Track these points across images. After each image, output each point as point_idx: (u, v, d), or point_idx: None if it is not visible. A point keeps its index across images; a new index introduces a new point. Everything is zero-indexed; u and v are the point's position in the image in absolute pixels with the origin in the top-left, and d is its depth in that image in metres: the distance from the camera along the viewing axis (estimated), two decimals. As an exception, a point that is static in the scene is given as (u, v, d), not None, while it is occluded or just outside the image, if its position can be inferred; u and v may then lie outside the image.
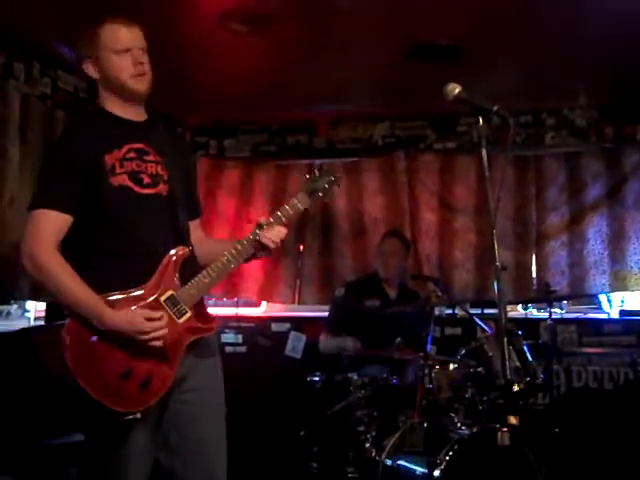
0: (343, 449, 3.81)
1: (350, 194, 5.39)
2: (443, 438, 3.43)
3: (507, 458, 3.18)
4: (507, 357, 2.17)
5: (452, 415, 3.70)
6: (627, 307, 5.28)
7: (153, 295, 2.27)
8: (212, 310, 2.49)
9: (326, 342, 4.63)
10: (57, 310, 4.44)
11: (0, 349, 3.80)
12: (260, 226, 2.43)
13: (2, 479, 3.43)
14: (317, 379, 4.07)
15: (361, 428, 3.78)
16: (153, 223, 2.35)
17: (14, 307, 6.27)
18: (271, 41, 3.95)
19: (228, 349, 5.24)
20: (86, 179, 2.26)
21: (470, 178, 5.27)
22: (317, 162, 5.52)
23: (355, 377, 3.93)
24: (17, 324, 6.00)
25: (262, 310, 5.84)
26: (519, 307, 5.45)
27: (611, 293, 5.23)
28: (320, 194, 2.55)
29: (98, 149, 2.29)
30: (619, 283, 5.04)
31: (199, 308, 2.38)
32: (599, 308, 5.44)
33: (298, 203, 2.51)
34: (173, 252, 2.32)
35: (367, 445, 3.72)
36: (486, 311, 4.88)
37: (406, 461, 3.51)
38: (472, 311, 4.67)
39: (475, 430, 3.39)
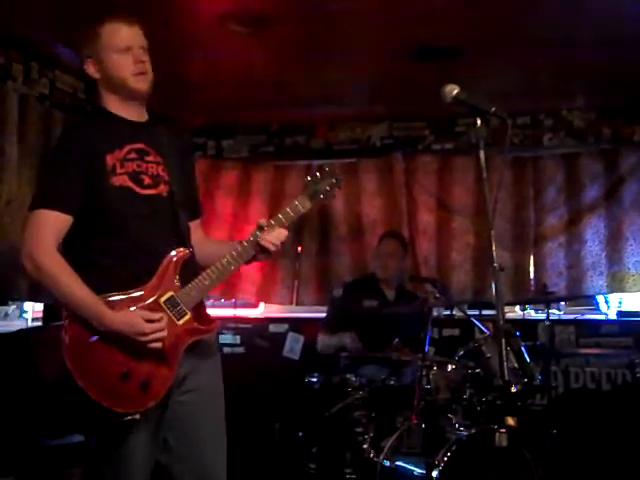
0: (341, 450, 3.81)
1: (348, 195, 5.39)
2: (441, 439, 3.43)
3: (505, 459, 3.18)
4: (505, 358, 2.17)
5: (450, 416, 3.69)
6: (625, 308, 5.29)
7: (153, 296, 2.26)
8: (210, 311, 2.48)
9: (324, 341, 4.62)
10: (55, 311, 4.45)
11: (-2, 350, 3.80)
12: (261, 228, 2.42)
13: None
14: (315, 380, 4.07)
15: (359, 429, 3.78)
16: (153, 224, 2.34)
17: (12, 308, 6.28)
18: (270, 42, 3.95)
19: (226, 350, 5.23)
20: (87, 179, 2.26)
21: (468, 179, 5.27)
22: (315, 163, 5.54)
23: (353, 378, 3.93)
24: (15, 325, 6.00)
25: (260, 311, 5.85)
26: (517, 308, 5.46)
27: (609, 294, 5.24)
28: (322, 196, 2.54)
29: (99, 149, 2.29)
30: (617, 284, 5.04)
31: (199, 310, 2.37)
32: (597, 309, 5.44)
33: (299, 205, 2.49)
34: (173, 253, 2.32)
35: (365, 446, 3.72)
36: (484, 312, 4.87)
37: (404, 462, 3.51)
38: (470, 312, 4.67)
39: (473, 431, 3.39)
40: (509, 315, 5.30)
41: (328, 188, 2.54)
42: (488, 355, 3.63)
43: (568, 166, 5.20)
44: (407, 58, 4.12)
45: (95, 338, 2.18)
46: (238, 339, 5.45)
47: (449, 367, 3.77)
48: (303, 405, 4.13)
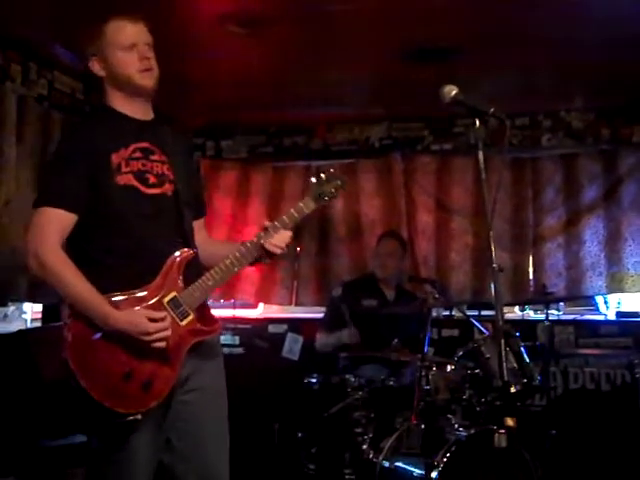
0: (340, 451, 3.80)
1: (347, 196, 5.39)
2: (440, 439, 3.43)
3: (504, 459, 3.19)
4: (504, 359, 2.17)
5: (449, 416, 3.69)
6: (624, 309, 5.29)
7: (156, 296, 2.26)
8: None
9: (322, 340, 4.62)
10: (54, 311, 4.45)
11: (-3, 351, 3.80)
12: (265, 230, 2.42)
13: None
14: (314, 381, 4.06)
15: (358, 430, 3.78)
16: (158, 223, 2.34)
17: (11, 309, 6.27)
18: (269, 43, 3.95)
19: (225, 351, 5.08)
20: (91, 177, 2.25)
21: (467, 180, 5.27)
22: (314, 164, 5.54)
23: (352, 379, 3.93)
24: (14, 326, 5.99)
25: (259, 312, 5.85)
26: (516, 309, 5.46)
27: (608, 295, 5.24)
28: (326, 198, 2.54)
29: (104, 147, 2.28)
30: (616, 285, 5.04)
31: (202, 310, 2.37)
32: (596, 310, 5.44)
33: (304, 207, 2.49)
34: (177, 254, 2.31)
35: (364, 447, 3.72)
36: (483, 313, 4.87)
37: (403, 463, 3.51)
38: (469, 313, 4.66)
39: (472, 432, 3.39)
40: (508, 316, 5.29)
41: (333, 190, 2.55)
42: (487, 356, 3.63)
43: (567, 167, 5.20)
44: (406, 59, 4.12)
45: (98, 337, 2.18)
46: (237, 339, 5.45)
47: (448, 368, 3.77)
48: (302, 405, 4.13)
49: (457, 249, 5.29)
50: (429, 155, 5.40)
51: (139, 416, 2.18)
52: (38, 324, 5.21)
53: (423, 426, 3.59)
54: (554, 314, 4.94)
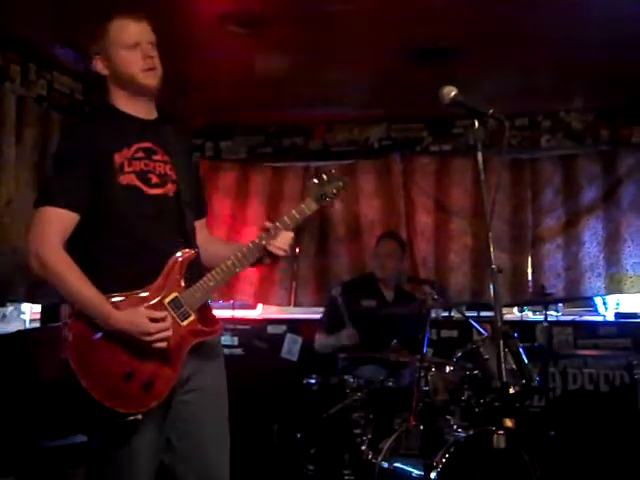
0: (339, 451, 3.80)
1: (346, 196, 5.37)
2: (439, 440, 3.43)
3: (503, 460, 3.20)
4: (503, 359, 2.17)
5: (448, 417, 3.70)
6: (622, 310, 5.29)
7: (157, 297, 2.26)
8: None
9: (321, 341, 4.62)
10: (53, 312, 4.45)
11: (-4, 351, 3.80)
12: (267, 231, 2.41)
13: None
14: (313, 381, 4.06)
15: (357, 430, 3.78)
16: (160, 224, 2.33)
17: (10, 309, 6.27)
18: (268, 43, 3.95)
19: (224, 351, 5.20)
20: (94, 177, 2.25)
21: (466, 181, 5.27)
22: (313, 164, 5.55)
23: (351, 379, 3.93)
24: (13, 326, 5.99)
25: (258, 312, 5.84)
26: (515, 310, 5.46)
27: (607, 296, 5.24)
28: (328, 199, 2.54)
29: (107, 147, 2.28)
30: (614, 286, 5.04)
31: (203, 311, 2.36)
32: (595, 311, 5.44)
33: (306, 208, 2.49)
34: (179, 254, 2.31)
35: (363, 447, 3.72)
36: (482, 314, 4.87)
37: (402, 463, 3.51)
38: (468, 314, 4.66)
39: (471, 433, 3.39)
40: (507, 316, 5.31)
41: (334, 191, 2.55)
42: (486, 356, 3.64)
43: (566, 168, 5.20)
44: (406, 59, 4.12)
45: (99, 337, 2.17)
46: (236, 340, 5.46)
47: (447, 368, 3.77)
48: (301, 406, 4.13)
49: (456, 250, 5.29)
50: (428, 156, 5.40)
51: (139, 416, 2.17)
52: (37, 324, 5.21)
53: (422, 427, 3.59)
54: (553, 315, 4.94)
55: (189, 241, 2.39)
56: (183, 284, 2.31)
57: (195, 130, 5.57)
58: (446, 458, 3.26)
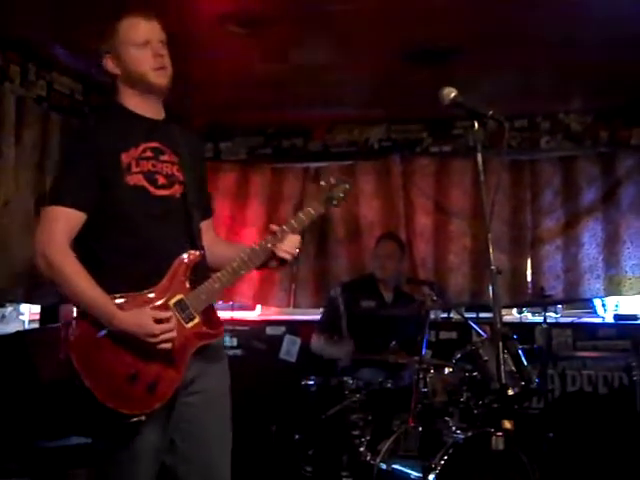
0: (338, 453, 3.80)
1: (346, 197, 5.38)
2: (438, 442, 3.43)
3: (502, 462, 3.19)
4: (502, 361, 2.16)
5: (447, 419, 3.69)
6: (622, 311, 5.28)
7: (162, 298, 2.25)
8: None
9: (319, 344, 4.61)
10: (52, 313, 4.45)
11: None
12: (274, 234, 2.41)
13: None
14: (312, 383, 4.07)
15: (356, 432, 3.78)
16: (166, 225, 2.32)
17: (9, 309, 6.27)
18: (268, 43, 3.95)
19: (223, 352, 5.22)
20: (101, 177, 2.24)
21: (465, 182, 5.28)
22: (313, 165, 5.55)
23: (350, 381, 3.93)
24: (12, 327, 5.99)
25: (257, 313, 5.84)
26: (514, 311, 5.45)
27: (606, 297, 5.24)
28: (335, 202, 2.54)
29: (115, 147, 2.27)
30: (614, 287, 5.05)
31: (208, 313, 2.35)
32: (594, 312, 5.44)
33: (313, 212, 2.49)
34: (185, 255, 2.30)
35: (362, 449, 3.72)
36: (481, 315, 4.88)
37: (401, 465, 3.51)
38: (467, 315, 4.67)
39: (470, 434, 3.40)
40: (506, 318, 5.30)
41: (342, 195, 2.55)
42: (485, 358, 3.64)
43: (565, 169, 5.20)
44: (406, 59, 4.12)
45: (104, 338, 2.16)
46: (235, 341, 5.46)
47: (446, 370, 3.78)
48: (300, 407, 4.13)
49: (455, 251, 5.29)
50: (428, 157, 5.40)
51: (143, 417, 2.17)
52: (36, 325, 5.21)
53: (420, 429, 3.59)
54: (552, 317, 4.94)
55: (195, 242, 2.38)
56: (188, 286, 2.30)
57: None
58: (445, 460, 3.27)
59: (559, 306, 5.25)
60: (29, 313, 6.27)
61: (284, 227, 2.43)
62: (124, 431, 2.19)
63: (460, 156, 5.29)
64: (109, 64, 2.37)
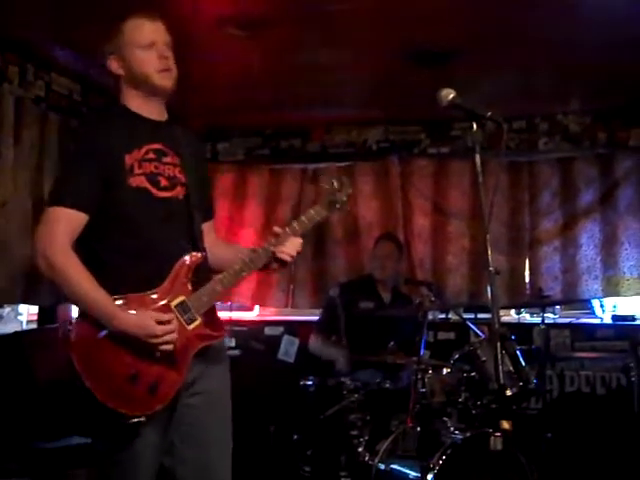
0: (336, 453, 3.80)
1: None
2: (436, 442, 3.43)
3: (500, 462, 3.19)
4: (500, 362, 2.17)
5: (445, 419, 3.70)
6: (620, 312, 5.29)
7: (164, 300, 2.25)
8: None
9: (317, 345, 4.61)
10: (50, 313, 4.45)
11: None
12: (276, 236, 2.41)
13: None
14: (310, 383, 4.07)
15: (354, 432, 3.78)
16: (168, 227, 2.32)
17: (7, 310, 6.27)
18: (266, 45, 3.95)
19: (221, 353, 5.22)
20: (104, 178, 2.24)
21: (464, 183, 5.28)
22: (311, 166, 5.55)
23: (348, 381, 3.93)
24: (10, 327, 5.99)
25: (255, 314, 5.84)
26: (512, 312, 5.46)
27: (604, 298, 5.24)
28: (338, 206, 2.54)
29: (118, 148, 2.27)
30: (612, 288, 5.05)
31: (210, 315, 2.35)
32: (592, 313, 5.45)
33: (316, 215, 2.49)
34: (187, 257, 2.30)
35: (360, 449, 3.72)
36: (479, 316, 4.88)
37: (399, 465, 3.52)
38: (465, 316, 4.68)
39: (468, 434, 3.40)
40: (504, 319, 5.30)
41: (345, 198, 2.55)
42: (483, 359, 3.64)
43: (563, 170, 5.21)
44: (403, 62, 4.12)
45: (104, 338, 2.16)
46: (233, 342, 5.46)
47: (444, 370, 3.78)
48: (298, 408, 4.13)
49: (454, 252, 5.29)
50: (426, 158, 5.40)
51: (143, 418, 2.16)
52: (34, 326, 5.21)
53: (419, 429, 3.59)
54: (550, 317, 4.95)
55: (197, 244, 2.38)
56: (190, 287, 2.30)
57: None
58: (443, 460, 3.27)
59: (557, 307, 5.26)
60: (27, 313, 6.27)
61: (286, 229, 2.43)
62: (124, 432, 2.18)
63: (458, 157, 5.30)
64: (113, 65, 2.37)
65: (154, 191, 2.30)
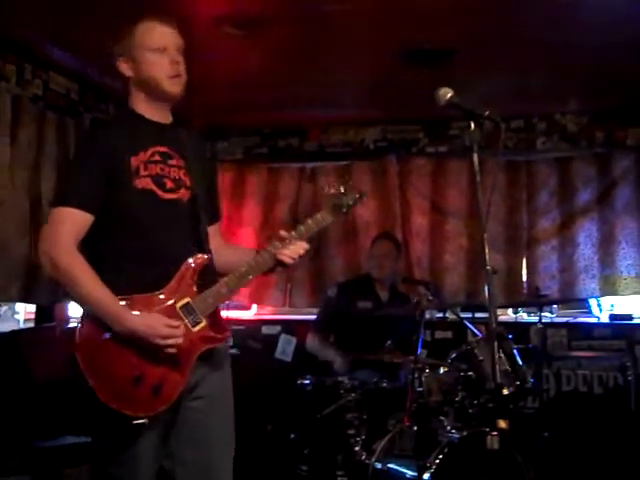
0: (333, 452, 3.80)
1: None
2: (433, 441, 3.44)
3: (497, 462, 3.20)
4: (497, 361, 2.17)
5: (442, 418, 3.70)
6: (617, 311, 5.29)
7: (169, 301, 2.24)
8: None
9: (315, 345, 4.61)
10: (47, 312, 4.44)
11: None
12: (282, 240, 2.40)
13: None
14: (307, 382, 4.06)
15: (351, 431, 3.78)
16: (173, 229, 2.32)
17: (4, 308, 6.27)
18: (264, 45, 3.95)
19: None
20: (109, 179, 2.24)
21: (462, 182, 5.28)
22: (308, 165, 5.55)
23: (345, 380, 3.92)
24: (7, 326, 5.99)
25: (253, 313, 5.84)
26: (509, 311, 5.46)
27: (601, 297, 5.25)
28: (344, 210, 2.54)
29: (124, 150, 2.27)
30: (609, 288, 5.06)
31: (214, 317, 2.34)
32: (589, 312, 5.45)
33: (322, 219, 2.51)
34: (192, 259, 2.29)
35: (357, 448, 3.72)
36: (477, 315, 4.88)
37: (396, 464, 3.52)
38: (463, 315, 4.68)
39: (465, 434, 3.40)
40: (502, 318, 5.31)
41: (351, 203, 2.55)
42: (480, 358, 3.64)
43: (561, 170, 5.22)
44: (400, 61, 4.12)
45: (109, 339, 2.16)
46: (230, 341, 5.45)
47: (441, 370, 3.77)
48: (295, 407, 4.13)
49: (451, 251, 5.30)
50: (424, 157, 5.41)
51: (146, 420, 2.15)
52: (31, 324, 5.21)
53: (416, 428, 3.59)
54: (547, 316, 4.96)
55: (202, 246, 2.37)
56: (195, 289, 2.29)
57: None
58: (440, 459, 3.27)
59: (554, 306, 5.27)
60: (24, 312, 6.27)
61: (292, 233, 2.43)
62: (126, 432, 2.18)
63: (456, 156, 5.30)
64: (122, 66, 2.37)
65: (160, 193, 2.30)
